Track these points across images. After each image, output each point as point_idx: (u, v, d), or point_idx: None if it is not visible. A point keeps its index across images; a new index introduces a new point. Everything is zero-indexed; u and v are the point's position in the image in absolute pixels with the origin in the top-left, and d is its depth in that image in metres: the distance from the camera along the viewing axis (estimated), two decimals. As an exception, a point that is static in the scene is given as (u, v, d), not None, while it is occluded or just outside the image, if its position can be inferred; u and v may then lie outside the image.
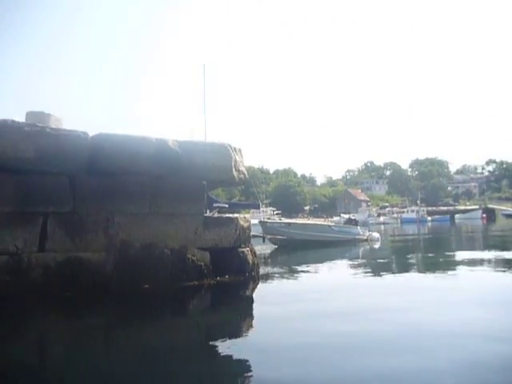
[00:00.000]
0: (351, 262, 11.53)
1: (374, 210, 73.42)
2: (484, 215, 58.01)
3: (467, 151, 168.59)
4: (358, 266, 10.74)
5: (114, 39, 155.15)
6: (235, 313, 5.95)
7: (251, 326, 5.07)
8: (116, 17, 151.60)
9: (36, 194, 6.52)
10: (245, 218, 8.31)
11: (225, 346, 4.06)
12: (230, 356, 3.77)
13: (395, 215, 64.87)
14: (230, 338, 4.38)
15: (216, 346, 4.12)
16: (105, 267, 6.69)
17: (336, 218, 55.18)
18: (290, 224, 16.92)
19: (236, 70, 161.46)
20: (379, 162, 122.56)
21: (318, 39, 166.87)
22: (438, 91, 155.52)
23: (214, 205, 20.24)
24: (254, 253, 8.23)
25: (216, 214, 13.77)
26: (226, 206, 23.72)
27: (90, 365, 3.62)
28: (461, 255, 12.01)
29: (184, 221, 7.48)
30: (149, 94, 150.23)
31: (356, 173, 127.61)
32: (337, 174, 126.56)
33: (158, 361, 3.62)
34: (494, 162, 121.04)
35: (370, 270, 9.62)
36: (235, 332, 4.74)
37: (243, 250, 7.96)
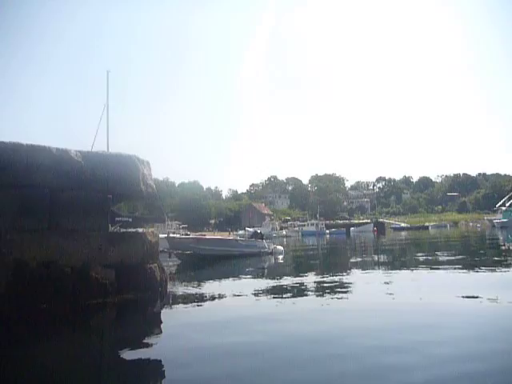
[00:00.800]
0: (255, 277, 11.76)
1: (276, 223, 75.82)
2: (375, 228, 62.91)
3: (360, 168, 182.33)
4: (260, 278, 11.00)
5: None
6: (140, 331, 5.71)
7: (157, 344, 4.90)
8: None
9: None
10: (153, 233, 8.08)
11: (126, 365, 3.94)
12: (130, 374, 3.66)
13: (296, 228, 67.68)
14: (133, 356, 4.24)
15: (116, 365, 3.98)
16: (-6, 289, 6.04)
17: (241, 232, 55.99)
18: (198, 239, 16.81)
19: (141, 79, 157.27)
20: (282, 176, 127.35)
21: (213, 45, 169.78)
22: (335, 111, 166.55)
23: (117, 219, 19.38)
24: (162, 269, 8.02)
25: (118, 229, 13.20)
26: (129, 220, 22.83)
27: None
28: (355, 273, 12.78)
29: (87, 237, 7.05)
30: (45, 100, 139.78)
31: (260, 187, 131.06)
32: (242, 188, 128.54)
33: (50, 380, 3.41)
34: (384, 179, 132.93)
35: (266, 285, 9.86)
36: (139, 350, 4.58)
37: (151, 266, 7.71)
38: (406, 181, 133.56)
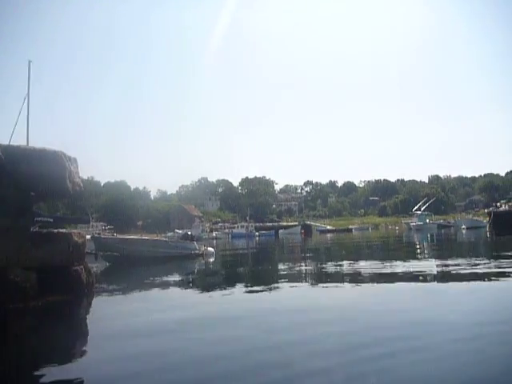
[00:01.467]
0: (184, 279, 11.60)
1: (207, 225, 75.44)
2: (303, 231, 64.82)
3: (289, 172, 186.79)
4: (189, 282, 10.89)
5: None
6: (61, 339, 5.22)
7: (80, 349, 4.69)
8: None
9: None
10: (79, 233, 7.71)
11: (49, 373, 3.73)
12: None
13: (226, 231, 67.79)
14: (55, 364, 4.03)
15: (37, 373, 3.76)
16: None
17: (170, 234, 54.95)
18: (126, 240, 16.21)
19: (69, 72, 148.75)
20: (213, 178, 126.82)
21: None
22: (265, 115, 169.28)
23: (36, 219, 18.09)
24: (88, 271, 7.67)
25: (37, 229, 12.33)
26: (51, 220, 21.45)
27: None
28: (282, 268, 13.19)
29: (6, 237, 6.56)
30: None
31: (190, 188, 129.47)
32: (171, 189, 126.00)
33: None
34: (311, 183, 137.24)
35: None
36: (63, 357, 4.33)
37: (76, 268, 7.37)
38: (332, 185, 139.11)
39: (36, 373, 3.86)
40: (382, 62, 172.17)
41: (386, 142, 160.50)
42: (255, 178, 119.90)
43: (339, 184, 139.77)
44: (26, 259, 6.73)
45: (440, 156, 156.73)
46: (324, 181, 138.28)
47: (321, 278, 10.18)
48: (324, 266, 12.96)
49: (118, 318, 6.24)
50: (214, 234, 62.21)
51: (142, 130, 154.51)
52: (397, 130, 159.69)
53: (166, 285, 9.73)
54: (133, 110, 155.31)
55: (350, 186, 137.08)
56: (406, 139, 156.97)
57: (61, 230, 7.64)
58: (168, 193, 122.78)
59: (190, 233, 20.78)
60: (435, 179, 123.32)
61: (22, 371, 3.99)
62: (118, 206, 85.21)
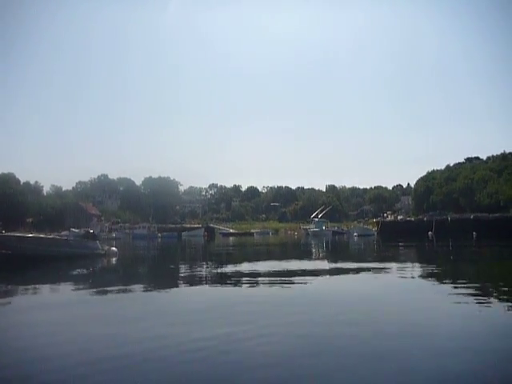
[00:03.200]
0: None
1: (106, 224, 72.10)
2: (206, 233, 65.07)
3: (194, 174, 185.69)
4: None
5: None
6: None
7: None
8: None
9: None
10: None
11: None
12: None
13: (127, 231, 65.52)
14: None
15: None
16: None
17: (65, 232, 51.72)
18: (21, 238, 15.13)
19: None
20: (113, 176, 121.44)
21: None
22: (173, 114, 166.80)
23: None
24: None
25: None
26: None
27: None
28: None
29: None
30: None
31: (88, 185, 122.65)
32: (67, 185, 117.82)
33: None
34: (216, 186, 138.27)
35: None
36: None
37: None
38: (236, 189, 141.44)
39: None
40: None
41: (288, 151, 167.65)
42: (159, 177, 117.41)
43: (243, 189, 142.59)
44: None
45: (336, 167, 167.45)
46: (228, 185, 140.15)
47: (220, 279, 10.62)
48: (224, 267, 13.52)
49: None
50: (114, 234, 59.76)
51: (37, 118, 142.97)
52: (299, 139, 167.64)
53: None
54: (30, 94, 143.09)
55: (253, 191, 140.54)
56: (306, 149, 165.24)
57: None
58: (63, 189, 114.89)
59: (91, 231, 20.00)
60: (331, 188, 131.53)
61: None
62: (5, 202, 77.81)
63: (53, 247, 15.20)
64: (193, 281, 10.14)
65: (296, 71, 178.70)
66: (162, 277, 11.88)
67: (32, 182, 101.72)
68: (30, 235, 17.50)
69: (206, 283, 10.13)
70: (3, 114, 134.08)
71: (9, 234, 16.94)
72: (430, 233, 43.35)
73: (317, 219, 67.14)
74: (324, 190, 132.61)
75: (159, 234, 63.39)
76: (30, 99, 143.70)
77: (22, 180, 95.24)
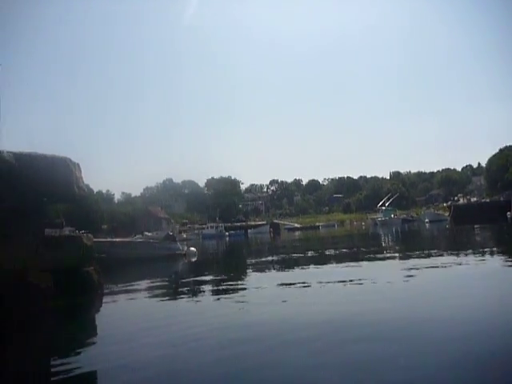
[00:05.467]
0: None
1: (177, 226, 74.98)
2: (271, 229, 65.71)
3: (254, 172, 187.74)
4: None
5: None
6: (76, 337, 5.47)
7: (97, 346, 4.98)
8: None
9: None
10: (88, 236, 8.00)
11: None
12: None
13: (196, 231, 67.76)
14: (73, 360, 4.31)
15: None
16: None
17: (138, 236, 54.36)
18: (112, 243, 16.32)
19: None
20: (178, 179, 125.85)
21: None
22: (228, 114, 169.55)
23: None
24: (98, 272, 7.97)
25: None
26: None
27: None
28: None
29: (22, 241, 6.80)
30: None
31: (155, 191, 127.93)
32: (135, 192, 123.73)
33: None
34: (276, 182, 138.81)
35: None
36: (79, 352, 4.64)
37: (87, 269, 7.66)
38: (297, 183, 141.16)
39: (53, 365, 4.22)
40: (350, 59, 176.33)
41: (348, 140, 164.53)
42: (221, 178, 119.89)
43: (304, 182, 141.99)
44: (42, 262, 6.98)
45: (400, 152, 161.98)
46: (289, 179, 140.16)
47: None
48: (307, 257, 13.72)
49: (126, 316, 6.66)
50: (185, 236, 62.04)
51: (104, 131, 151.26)
52: (358, 127, 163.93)
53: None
54: (93, 112, 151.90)
55: (314, 184, 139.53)
56: (368, 136, 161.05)
57: (72, 234, 7.91)
58: (132, 195, 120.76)
59: (171, 233, 21.02)
60: (396, 175, 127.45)
61: (41, 366, 4.35)
62: (82, 210, 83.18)
63: (139, 250, 16.25)
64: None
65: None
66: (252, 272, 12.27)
67: (104, 191, 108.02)
68: (120, 240, 18.78)
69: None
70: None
71: (102, 239, 18.20)
72: (508, 213, 40.75)
73: (384, 208, 65.42)
74: (388, 177, 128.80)
75: (226, 233, 64.91)
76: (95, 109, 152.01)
77: (95, 189, 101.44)
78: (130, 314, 6.66)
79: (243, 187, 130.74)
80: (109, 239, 18.70)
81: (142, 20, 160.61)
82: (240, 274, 11.57)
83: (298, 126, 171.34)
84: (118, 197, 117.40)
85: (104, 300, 7.76)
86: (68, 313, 6.87)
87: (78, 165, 8.16)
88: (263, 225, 74.06)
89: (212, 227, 68.02)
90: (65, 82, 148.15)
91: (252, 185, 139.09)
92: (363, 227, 58.32)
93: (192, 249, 19.31)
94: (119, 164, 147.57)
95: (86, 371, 3.86)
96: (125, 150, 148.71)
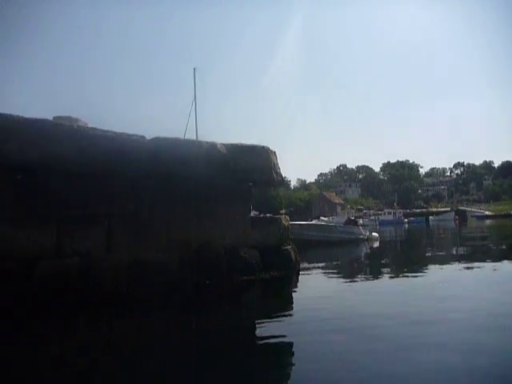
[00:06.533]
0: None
1: (353, 212, 74.85)
2: (457, 217, 60.10)
3: (434, 154, 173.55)
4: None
5: (116, 41, 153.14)
6: (280, 305, 6.28)
7: (292, 316, 5.52)
8: (114, 18, 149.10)
9: (100, 197, 6.72)
10: (286, 217, 8.73)
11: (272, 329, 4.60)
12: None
13: (372, 217, 66.37)
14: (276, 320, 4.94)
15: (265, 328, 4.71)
16: (168, 266, 6.95)
17: (315, 221, 55.99)
18: (301, 225, 17.32)
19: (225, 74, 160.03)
20: (352, 165, 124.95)
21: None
22: (404, 95, 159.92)
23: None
24: (295, 250, 8.65)
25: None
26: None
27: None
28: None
29: (234, 221, 7.85)
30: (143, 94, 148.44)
31: (329, 176, 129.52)
32: (310, 178, 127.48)
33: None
34: (462, 165, 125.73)
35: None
36: (284, 317, 5.23)
37: (286, 247, 8.38)
38: (487, 166, 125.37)
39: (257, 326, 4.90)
40: None
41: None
42: (397, 162, 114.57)
43: (496, 164, 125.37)
44: (250, 239, 7.94)
45: None
46: (477, 162, 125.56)
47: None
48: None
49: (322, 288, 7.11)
50: (361, 221, 61.50)
51: (283, 121, 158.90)
52: None
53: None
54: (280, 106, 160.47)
55: (509, 167, 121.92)
56: None
57: (273, 216, 8.76)
58: (307, 181, 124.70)
59: (353, 217, 21.20)
60: None
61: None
62: (262, 196, 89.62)
63: (325, 233, 16.90)
64: None
65: None
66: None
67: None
68: (307, 222, 19.81)
69: None
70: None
71: (294, 222, 19.48)
72: None
73: None
74: None
75: (405, 220, 61.99)
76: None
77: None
78: (327, 290, 7.09)
79: (422, 171, 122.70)
80: (297, 222, 19.79)
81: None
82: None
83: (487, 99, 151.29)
84: (293, 183, 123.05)
85: (300, 276, 8.42)
86: (272, 284, 7.67)
87: (275, 152, 8.94)
88: (447, 212, 68.19)
89: (390, 213, 65.73)
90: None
91: (432, 168, 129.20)
92: None
93: (374, 234, 19.17)
94: (294, 152, 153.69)
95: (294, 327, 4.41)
96: (298, 140, 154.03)
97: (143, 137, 7.24)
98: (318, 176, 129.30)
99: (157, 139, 7.37)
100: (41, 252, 6.05)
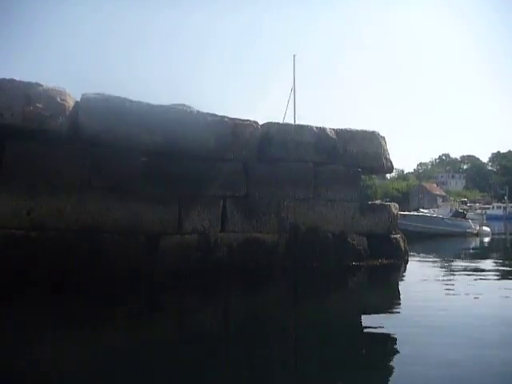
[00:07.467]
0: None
1: (456, 204, 69.99)
2: None
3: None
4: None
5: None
6: (387, 295, 5.97)
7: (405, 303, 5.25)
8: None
9: (215, 179, 7.06)
10: (395, 205, 8.48)
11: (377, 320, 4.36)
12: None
13: (478, 211, 61.38)
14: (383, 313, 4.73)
15: (368, 318, 4.47)
16: (278, 247, 7.15)
17: (413, 213, 53.32)
18: (404, 215, 16.61)
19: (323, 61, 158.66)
20: (455, 154, 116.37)
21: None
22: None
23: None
24: (403, 239, 8.37)
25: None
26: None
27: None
28: None
29: (342, 206, 7.80)
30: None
31: (429, 166, 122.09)
32: (408, 167, 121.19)
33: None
34: None
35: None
36: (389, 309, 4.96)
37: (395, 236, 8.15)
38: None
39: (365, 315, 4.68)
40: None
41: None
42: (509, 152, 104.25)
43: None
44: (358, 226, 7.84)
45: None
46: None
47: None
48: None
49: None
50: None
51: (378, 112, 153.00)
52: None
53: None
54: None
55: None
56: None
57: (383, 203, 8.56)
58: (405, 171, 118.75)
59: (461, 210, 19.90)
60: None
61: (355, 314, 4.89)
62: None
63: (432, 225, 16.06)
64: None
65: None
66: None
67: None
68: (411, 213, 18.98)
69: None
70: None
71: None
72: None
73: None
74: None
75: (518, 216, 56.54)
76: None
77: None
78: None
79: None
80: (401, 212, 19.06)
81: None
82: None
83: None
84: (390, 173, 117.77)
85: (409, 265, 8.13)
86: (377, 272, 7.49)
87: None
88: None
89: (499, 207, 60.38)
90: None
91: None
92: None
93: (485, 228, 17.79)
94: (394, 139, 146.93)
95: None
96: (398, 125, 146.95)
97: (256, 122, 7.46)
98: (417, 166, 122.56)
99: (268, 124, 7.57)
100: (165, 228, 6.56)
